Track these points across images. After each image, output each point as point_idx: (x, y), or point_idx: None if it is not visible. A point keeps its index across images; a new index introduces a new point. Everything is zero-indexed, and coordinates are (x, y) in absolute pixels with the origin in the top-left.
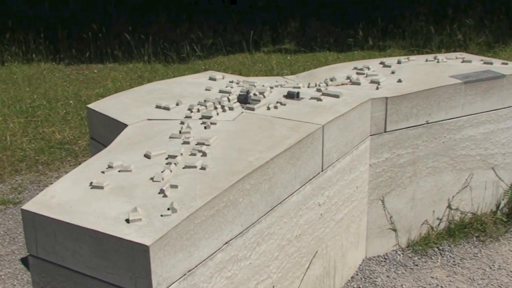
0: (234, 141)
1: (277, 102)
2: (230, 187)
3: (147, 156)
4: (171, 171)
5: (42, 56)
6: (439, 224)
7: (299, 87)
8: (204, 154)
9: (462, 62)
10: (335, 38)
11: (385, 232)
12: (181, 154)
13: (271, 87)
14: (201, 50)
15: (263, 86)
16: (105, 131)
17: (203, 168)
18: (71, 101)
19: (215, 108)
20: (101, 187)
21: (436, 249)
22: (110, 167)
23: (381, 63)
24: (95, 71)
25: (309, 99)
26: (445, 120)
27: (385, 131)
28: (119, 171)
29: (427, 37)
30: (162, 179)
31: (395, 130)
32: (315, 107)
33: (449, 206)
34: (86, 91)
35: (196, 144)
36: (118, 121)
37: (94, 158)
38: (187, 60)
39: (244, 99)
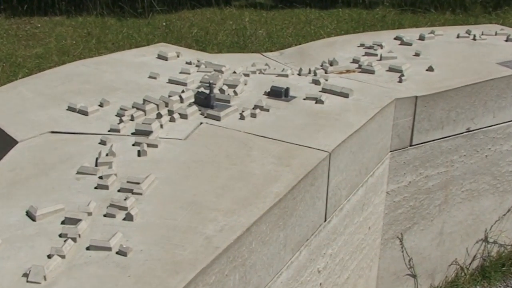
0: (183, 186)
1: (255, 107)
2: None
3: (30, 215)
4: (64, 256)
5: None
6: (471, 263)
7: (286, 75)
8: (129, 217)
9: (507, 41)
10: None
11: (401, 280)
12: (90, 215)
13: (246, 75)
14: (161, 4)
15: (234, 73)
16: None
17: (122, 253)
18: (3, 64)
19: (159, 115)
20: None
21: None
22: None
23: (397, 38)
24: (38, 25)
25: (304, 99)
26: (491, 126)
27: (411, 145)
28: None
29: None
30: (44, 278)
31: (424, 143)
32: (315, 115)
33: (485, 239)
34: (24, 50)
35: (118, 191)
36: (5, 133)
37: None
38: (146, 14)
39: (205, 101)
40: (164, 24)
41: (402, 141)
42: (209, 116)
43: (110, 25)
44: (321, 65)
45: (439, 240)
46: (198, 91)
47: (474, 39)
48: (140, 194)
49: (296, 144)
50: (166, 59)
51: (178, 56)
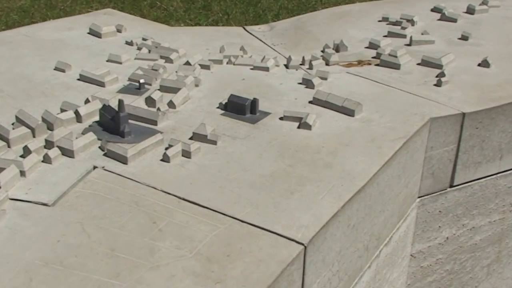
0: None
1: (194, 136)
2: None
3: None
4: None
5: None
6: None
7: (266, 69)
8: None
9: None
10: None
11: None
12: None
13: (205, 67)
14: None
15: (188, 64)
16: None
17: None
18: None
19: (26, 150)
20: None
21: None
22: None
23: (435, 10)
24: None
25: (281, 118)
26: None
27: (452, 186)
28: None
29: None
30: None
31: (472, 181)
32: (293, 154)
33: None
34: (7, 2)
35: None
36: None
37: None
38: None
39: (113, 124)
40: None
41: (438, 181)
42: (110, 154)
43: None
44: (323, 51)
45: None
46: (104, 105)
47: None
48: None
49: (247, 223)
50: (99, 35)
51: (119, 31)
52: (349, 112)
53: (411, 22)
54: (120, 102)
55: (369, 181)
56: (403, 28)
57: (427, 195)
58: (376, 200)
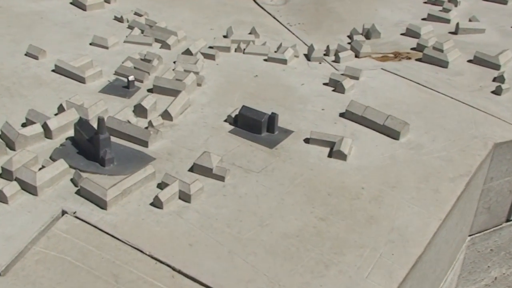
0: None
1: (196, 168)
2: None
3: None
4: None
5: None
6: None
7: (284, 61)
8: None
9: None
10: None
11: None
12: None
13: (209, 56)
14: None
15: (188, 53)
16: None
17: None
18: None
19: None
20: None
21: None
22: None
23: None
24: None
25: (307, 141)
26: None
27: (508, 220)
28: None
29: None
30: None
31: None
32: (325, 199)
33: None
34: None
35: None
36: None
37: None
38: None
39: (91, 147)
40: None
41: (493, 216)
42: (84, 193)
43: None
44: (350, 36)
45: None
46: (81, 119)
47: None
48: None
49: None
50: (84, 7)
51: (107, 2)
52: (393, 134)
53: (454, 2)
54: (100, 121)
55: (427, 245)
56: (446, 10)
57: (479, 232)
58: (431, 263)
